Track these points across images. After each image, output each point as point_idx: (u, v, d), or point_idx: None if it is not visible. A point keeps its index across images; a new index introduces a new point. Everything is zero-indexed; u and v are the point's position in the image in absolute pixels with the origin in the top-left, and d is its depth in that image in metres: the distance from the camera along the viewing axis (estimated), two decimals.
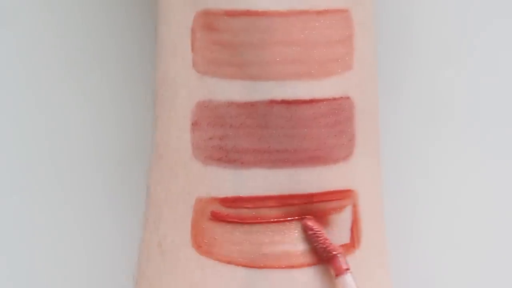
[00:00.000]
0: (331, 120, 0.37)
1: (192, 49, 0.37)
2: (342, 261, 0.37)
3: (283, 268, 0.37)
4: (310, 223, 0.37)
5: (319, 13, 0.37)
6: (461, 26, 0.46)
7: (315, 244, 0.37)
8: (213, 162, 0.37)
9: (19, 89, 0.47)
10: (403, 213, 0.46)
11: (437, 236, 0.46)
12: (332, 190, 0.37)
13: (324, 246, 0.37)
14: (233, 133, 0.37)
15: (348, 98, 0.38)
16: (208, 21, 0.37)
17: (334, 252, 0.37)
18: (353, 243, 0.38)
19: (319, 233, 0.37)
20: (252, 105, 0.37)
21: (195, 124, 0.38)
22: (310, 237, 0.37)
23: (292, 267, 0.37)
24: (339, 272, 0.37)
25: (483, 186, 0.46)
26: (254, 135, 0.37)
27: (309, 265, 0.37)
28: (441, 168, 0.46)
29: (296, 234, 0.37)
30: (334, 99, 0.37)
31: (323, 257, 0.37)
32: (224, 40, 0.37)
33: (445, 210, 0.46)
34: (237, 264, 0.37)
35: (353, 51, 0.38)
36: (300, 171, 0.37)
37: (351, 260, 0.37)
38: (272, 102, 0.37)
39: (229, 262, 0.37)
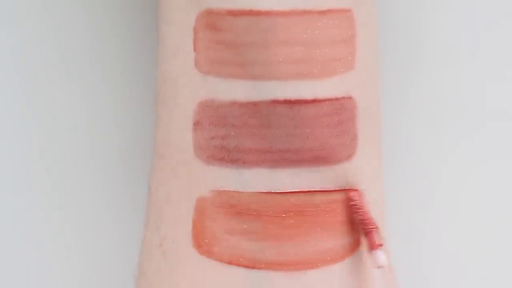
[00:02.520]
0: (333, 120, 0.37)
1: (195, 49, 0.37)
2: (377, 237, 0.37)
3: (284, 269, 0.37)
4: (353, 194, 0.37)
5: (321, 13, 0.37)
6: (464, 26, 0.46)
7: (354, 215, 0.37)
8: (215, 162, 0.37)
9: (21, 89, 0.47)
10: (405, 213, 0.45)
11: (439, 236, 0.46)
12: (334, 189, 0.37)
13: (363, 219, 0.37)
14: (235, 133, 0.37)
15: (350, 98, 0.38)
16: (211, 21, 0.37)
17: (370, 227, 0.37)
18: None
19: (360, 206, 0.37)
20: (254, 104, 0.37)
21: (197, 124, 0.37)
22: (351, 208, 0.37)
23: (293, 268, 0.37)
24: (372, 247, 0.37)
25: (485, 186, 0.46)
26: (256, 134, 0.37)
27: (309, 267, 0.37)
28: (443, 168, 0.46)
29: (297, 236, 0.37)
30: (337, 99, 0.37)
31: (360, 229, 0.38)
32: (227, 40, 0.37)
33: (447, 210, 0.46)
34: (238, 265, 0.37)
35: (356, 51, 0.38)
36: (302, 170, 0.37)
37: (351, 260, 0.38)
38: (275, 102, 0.37)
39: (230, 263, 0.37)
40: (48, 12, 0.46)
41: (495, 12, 0.46)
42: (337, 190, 0.37)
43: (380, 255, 0.37)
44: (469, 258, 0.46)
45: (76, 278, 0.47)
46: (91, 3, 0.46)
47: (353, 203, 0.37)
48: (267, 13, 0.36)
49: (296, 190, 0.37)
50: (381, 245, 0.37)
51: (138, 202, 0.41)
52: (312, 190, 0.37)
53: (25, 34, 0.46)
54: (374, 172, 0.39)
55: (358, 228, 0.38)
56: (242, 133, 0.37)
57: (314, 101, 0.37)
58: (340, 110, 0.37)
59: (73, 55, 0.46)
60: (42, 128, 0.47)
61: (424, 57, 0.46)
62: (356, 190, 0.37)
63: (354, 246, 0.38)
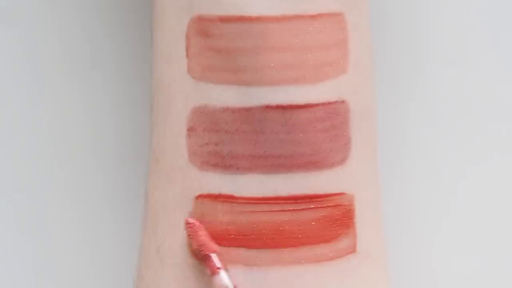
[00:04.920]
0: (326, 124, 0.37)
1: (187, 55, 0.37)
2: (216, 261, 0.36)
3: (283, 265, 0.37)
4: (191, 220, 0.37)
5: (312, 17, 0.37)
6: (463, 28, 0.45)
7: (191, 243, 0.37)
8: (209, 168, 0.37)
9: (16, 97, 0.47)
10: (403, 215, 0.45)
11: (437, 238, 0.46)
12: (327, 193, 0.37)
13: (198, 247, 0.37)
14: (229, 139, 0.37)
15: (343, 102, 0.37)
16: (202, 27, 0.37)
17: (207, 252, 0.37)
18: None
19: (197, 232, 0.37)
20: (247, 110, 0.37)
21: (191, 130, 0.38)
22: (188, 235, 0.37)
23: (292, 264, 0.37)
24: (212, 272, 0.36)
25: (484, 188, 0.46)
26: (249, 140, 0.37)
27: (308, 262, 0.37)
28: (442, 169, 0.46)
29: (292, 241, 0.37)
30: (329, 103, 0.37)
31: (198, 257, 0.37)
32: (218, 46, 0.37)
33: (446, 211, 0.46)
34: (235, 267, 0.37)
35: (348, 54, 0.38)
36: (296, 176, 0.37)
37: (345, 265, 0.38)
38: (267, 107, 0.37)
39: (226, 268, 0.37)
40: (45, 16, 0.46)
41: (492, 12, 0.45)
42: (330, 194, 0.37)
43: (223, 278, 0.36)
44: (469, 260, 0.46)
45: (76, 283, 0.47)
46: (91, 9, 0.46)
47: (189, 229, 0.37)
48: (258, 19, 0.36)
49: (290, 195, 0.37)
50: (220, 268, 0.36)
51: (138, 206, 0.41)
52: (306, 195, 0.37)
53: (21, 43, 0.47)
54: (369, 175, 0.39)
55: (196, 255, 0.37)
56: (235, 139, 0.37)
57: (306, 106, 0.37)
58: (333, 115, 0.37)
59: (70, 61, 0.46)
60: (39, 130, 0.47)
61: (424, 58, 0.45)
62: (190, 222, 0.37)
63: (348, 249, 0.38)
